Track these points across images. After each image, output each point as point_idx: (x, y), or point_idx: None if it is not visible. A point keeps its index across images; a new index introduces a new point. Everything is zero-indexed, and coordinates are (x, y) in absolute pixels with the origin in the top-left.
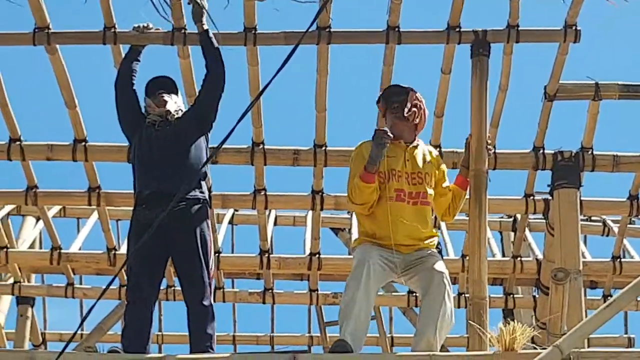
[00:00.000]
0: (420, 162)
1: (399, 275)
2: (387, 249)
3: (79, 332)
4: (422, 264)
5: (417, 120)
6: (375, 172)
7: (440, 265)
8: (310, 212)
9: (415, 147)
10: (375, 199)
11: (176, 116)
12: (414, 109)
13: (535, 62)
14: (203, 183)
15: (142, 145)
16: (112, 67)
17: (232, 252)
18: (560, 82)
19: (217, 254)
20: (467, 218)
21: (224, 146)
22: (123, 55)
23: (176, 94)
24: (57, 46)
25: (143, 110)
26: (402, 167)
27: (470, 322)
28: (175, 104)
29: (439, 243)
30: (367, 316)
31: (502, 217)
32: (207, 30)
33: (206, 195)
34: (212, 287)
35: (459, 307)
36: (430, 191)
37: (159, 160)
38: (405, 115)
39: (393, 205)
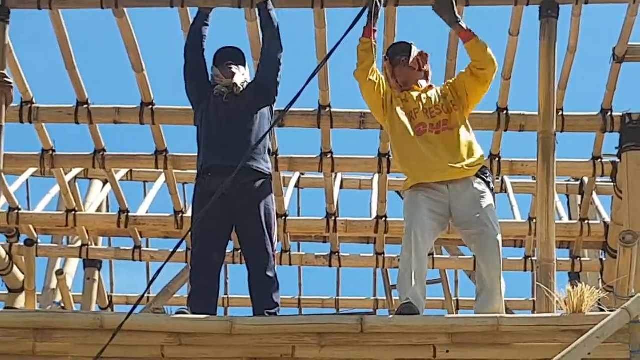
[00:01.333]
0: (434, 97)
1: (451, 223)
2: (431, 188)
3: (145, 295)
4: (475, 226)
5: (426, 67)
6: (370, 28)
7: (495, 231)
8: (376, 175)
9: (430, 87)
10: (372, 61)
11: (241, 89)
12: (419, 57)
13: (604, 24)
14: (268, 157)
15: (208, 116)
16: (179, 29)
17: (299, 216)
18: (629, 43)
19: (283, 217)
20: (534, 181)
21: (290, 109)
22: (190, 18)
23: (244, 65)
24: (125, 9)
25: (210, 79)
26: (418, 105)
27: (537, 284)
28: (243, 76)
29: (486, 168)
30: (423, 280)
31: (569, 180)
32: (266, 2)
33: (271, 168)
34: (275, 259)
35: (525, 270)
36: (455, 117)
37: (225, 132)
38: (410, 64)
39: (418, 140)
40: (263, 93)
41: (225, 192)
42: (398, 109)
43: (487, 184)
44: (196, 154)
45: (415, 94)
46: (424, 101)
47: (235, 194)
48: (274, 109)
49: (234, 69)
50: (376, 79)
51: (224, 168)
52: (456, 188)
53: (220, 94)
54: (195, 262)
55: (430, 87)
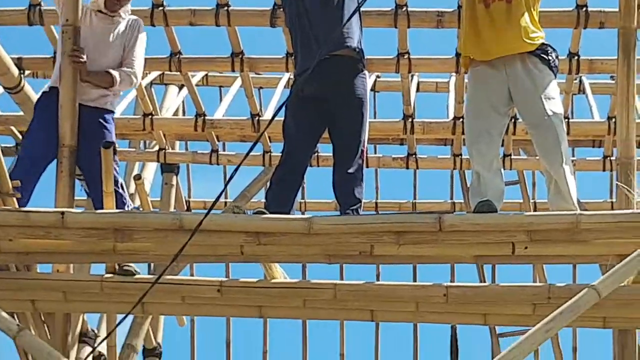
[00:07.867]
0: None
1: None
2: (489, 66)
3: (223, 199)
4: (534, 117)
5: None
6: None
7: (554, 121)
8: (453, 77)
9: None
10: None
11: None
12: None
13: None
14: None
15: (299, 15)
16: None
17: (375, 118)
18: None
19: None
20: (613, 81)
21: (367, 9)
22: None
23: None
24: None
25: None
26: None
27: (617, 183)
28: None
29: (547, 45)
30: (496, 182)
31: None
32: None
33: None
34: (365, 156)
35: (603, 170)
36: None
37: (316, 24)
38: None
39: (486, 11)
40: None
41: (319, 95)
42: None
43: (548, 62)
44: (273, 56)
45: None
46: None
47: (329, 93)
48: None
49: None
50: None
51: (320, 68)
52: (515, 70)
53: None
54: (283, 158)
55: None
